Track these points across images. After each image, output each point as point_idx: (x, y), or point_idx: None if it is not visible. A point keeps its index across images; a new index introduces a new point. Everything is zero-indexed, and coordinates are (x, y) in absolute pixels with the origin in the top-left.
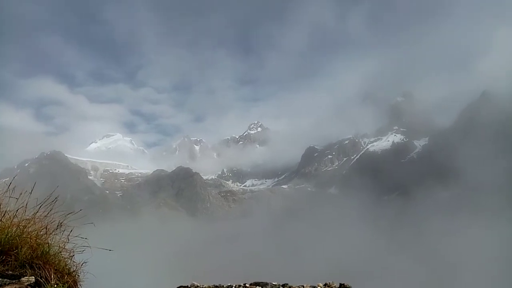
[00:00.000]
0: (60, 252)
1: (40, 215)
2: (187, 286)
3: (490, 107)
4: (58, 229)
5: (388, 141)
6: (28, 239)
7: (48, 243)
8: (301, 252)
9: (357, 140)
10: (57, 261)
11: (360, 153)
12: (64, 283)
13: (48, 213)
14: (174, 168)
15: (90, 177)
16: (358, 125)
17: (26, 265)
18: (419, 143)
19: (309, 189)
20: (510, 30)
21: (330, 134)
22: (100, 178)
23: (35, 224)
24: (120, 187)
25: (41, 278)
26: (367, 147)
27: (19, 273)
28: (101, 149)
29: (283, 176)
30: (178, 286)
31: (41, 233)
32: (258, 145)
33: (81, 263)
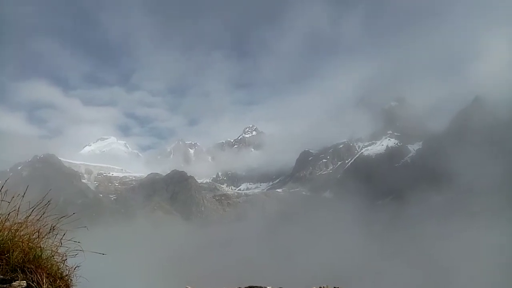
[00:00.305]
0: (53, 256)
1: (33, 218)
2: None
3: (483, 112)
4: (51, 233)
5: (382, 145)
6: (20, 243)
7: (40, 247)
8: (295, 256)
9: (351, 144)
10: (49, 265)
11: (355, 157)
12: (56, 287)
13: (41, 216)
14: (168, 172)
15: (83, 181)
16: (353, 129)
17: (18, 269)
18: (413, 148)
19: (303, 193)
20: (502, 36)
21: (325, 138)
22: (94, 181)
23: (27, 227)
24: (114, 190)
25: (32, 282)
26: (362, 151)
27: (11, 277)
28: (95, 152)
29: (277, 180)
30: None
31: (34, 236)
32: (253, 149)
33: (74, 267)
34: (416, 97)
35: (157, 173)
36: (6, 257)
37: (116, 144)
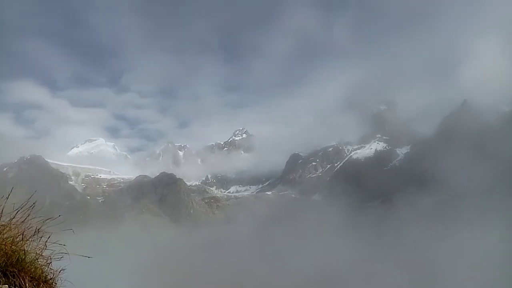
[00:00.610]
0: (37, 259)
1: (17, 221)
2: None
3: (471, 116)
4: (35, 235)
5: (371, 148)
6: (3, 246)
7: (24, 250)
8: (285, 259)
9: (340, 148)
10: (33, 269)
11: (344, 161)
12: None
13: (25, 219)
14: (157, 174)
15: (71, 182)
16: (342, 133)
17: (0, 272)
18: (401, 151)
19: (293, 195)
20: (490, 41)
21: (314, 141)
22: (81, 183)
23: (11, 230)
24: (102, 192)
25: (15, 286)
26: (351, 154)
27: None
28: (83, 154)
29: (267, 182)
30: None
31: (17, 239)
32: (242, 152)
33: (59, 270)
34: (405, 101)
35: (145, 175)
36: None
37: (104, 145)
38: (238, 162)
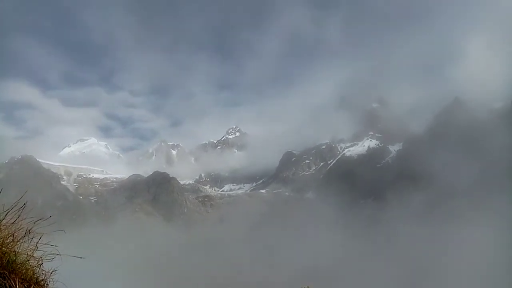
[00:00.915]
0: (28, 260)
1: (7, 222)
2: None
3: (462, 113)
4: (26, 237)
5: (364, 146)
6: None
7: (15, 251)
8: (278, 257)
9: (333, 145)
10: (24, 270)
11: (337, 158)
12: None
13: (16, 220)
14: (150, 173)
15: (63, 182)
16: (335, 131)
17: None
18: (394, 148)
19: (286, 193)
20: (481, 37)
21: (308, 139)
22: (74, 183)
23: (1, 231)
24: (95, 192)
25: None
26: (344, 152)
27: None
28: (75, 153)
29: (261, 181)
30: None
31: (8, 241)
32: (236, 150)
33: (51, 271)
34: (397, 98)
35: (138, 175)
36: None
37: (96, 145)
38: (232, 160)
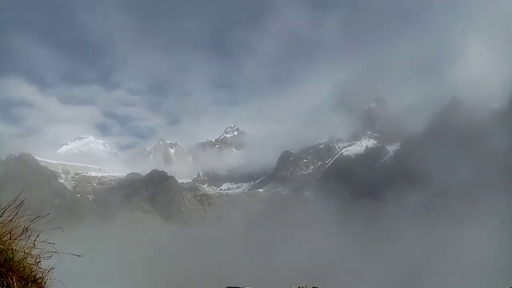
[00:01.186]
0: (25, 258)
1: (4, 219)
2: None
3: (460, 113)
4: (24, 234)
5: (362, 145)
6: None
7: (12, 249)
8: (276, 256)
9: (331, 145)
10: (21, 268)
11: (335, 157)
12: None
13: (13, 217)
14: (148, 172)
15: (60, 181)
16: (333, 130)
17: None
18: (391, 148)
19: (284, 193)
20: (479, 37)
21: (306, 138)
22: (71, 181)
23: None
24: (92, 190)
25: (3, 286)
26: (342, 151)
27: None
28: (73, 151)
29: (259, 180)
30: None
31: (5, 238)
32: (234, 149)
33: (48, 269)
34: (395, 98)
35: (136, 173)
36: None
37: (94, 143)
38: (230, 159)
